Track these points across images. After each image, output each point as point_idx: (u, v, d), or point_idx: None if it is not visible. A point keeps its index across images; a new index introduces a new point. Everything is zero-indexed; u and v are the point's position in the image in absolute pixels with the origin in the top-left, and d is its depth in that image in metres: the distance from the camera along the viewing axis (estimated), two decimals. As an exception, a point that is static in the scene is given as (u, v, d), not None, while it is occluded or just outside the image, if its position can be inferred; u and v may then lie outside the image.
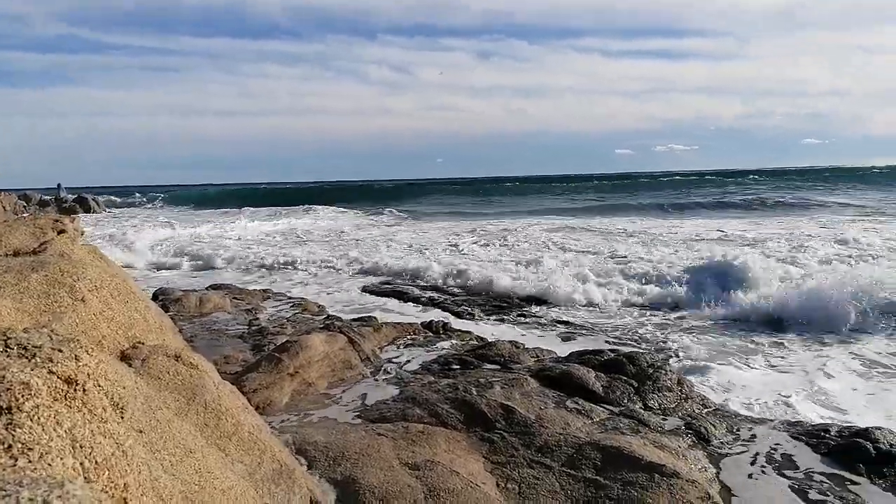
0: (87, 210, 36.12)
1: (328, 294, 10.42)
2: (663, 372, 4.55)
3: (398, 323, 7.29)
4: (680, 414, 4.18)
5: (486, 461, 3.42)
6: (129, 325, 3.32)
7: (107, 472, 1.12)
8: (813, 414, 4.92)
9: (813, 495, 3.27)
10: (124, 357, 3.14)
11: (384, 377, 5.22)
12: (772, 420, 4.42)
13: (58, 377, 1.13)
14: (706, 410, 4.40)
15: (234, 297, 9.29)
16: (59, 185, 41.95)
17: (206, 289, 10.23)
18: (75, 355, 1.24)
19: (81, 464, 1.09)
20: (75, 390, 1.16)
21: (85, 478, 1.04)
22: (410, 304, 9.52)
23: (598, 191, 46.43)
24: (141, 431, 2.25)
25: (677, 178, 57.96)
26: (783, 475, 3.49)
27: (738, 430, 4.10)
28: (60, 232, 3.82)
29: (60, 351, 1.22)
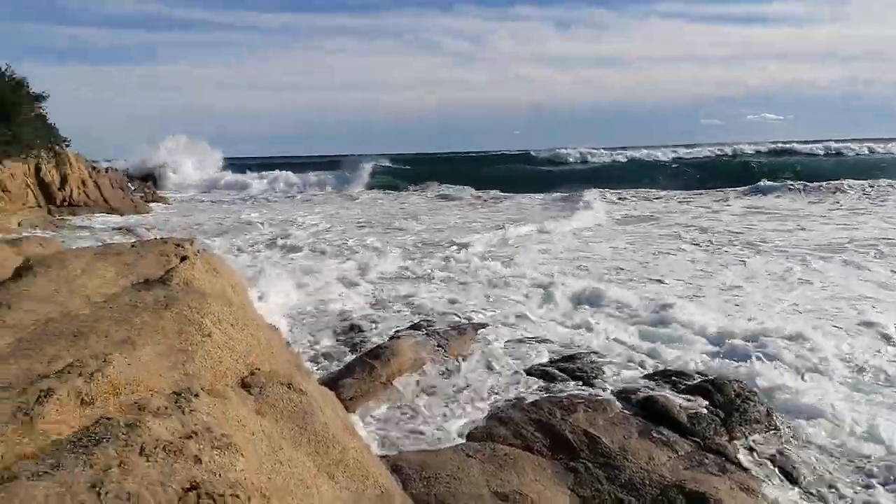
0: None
1: None
2: (751, 403, 4.53)
3: (480, 324, 7.47)
4: (768, 451, 4.18)
5: (572, 495, 3.58)
6: (248, 352, 3.64)
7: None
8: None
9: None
10: (244, 384, 3.47)
11: (469, 386, 5.42)
12: (867, 456, 4.33)
13: None
14: (795, 444, 4.36)
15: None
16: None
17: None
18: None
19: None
20: None
21: None
22: None
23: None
24: (270, 478, 2.54)
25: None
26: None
27: (828, 469, 4.05)
28: (183, 258, 4.20)
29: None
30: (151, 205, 25.79)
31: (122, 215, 20.83)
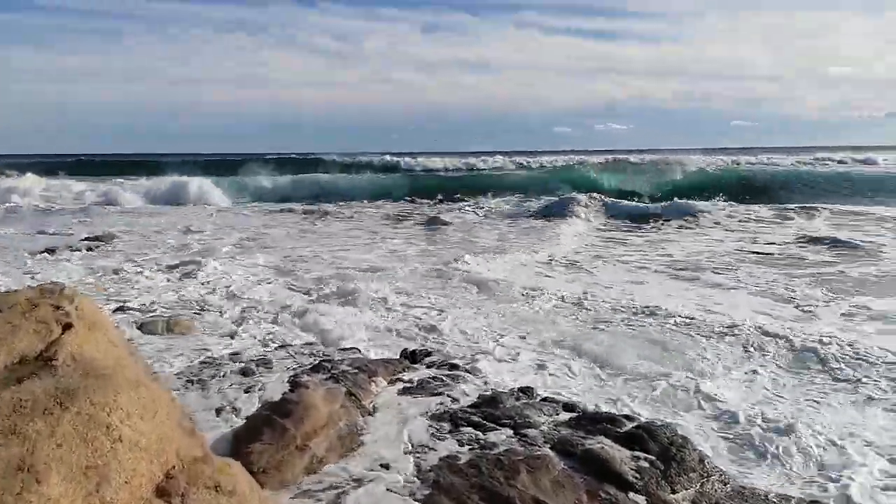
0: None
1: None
2: (686, 451, 4.55)
3: (387, 361, 7.08)
4: (708, 501, 4.19)
5: (538, 580, 3.31)
6: (160, 448, 3.01)
7: None
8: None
9: None
10: (161, 492, 2.87)
11: (390, 446, 5.00)
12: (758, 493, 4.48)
13: None
14: (728, 489, 4.42)
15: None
16: None
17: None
18: None
19: None
20: None
21: None
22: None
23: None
24: None
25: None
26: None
27: (763, 516, 4.14)
28: (67, 326, 3.43)
29: None
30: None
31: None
